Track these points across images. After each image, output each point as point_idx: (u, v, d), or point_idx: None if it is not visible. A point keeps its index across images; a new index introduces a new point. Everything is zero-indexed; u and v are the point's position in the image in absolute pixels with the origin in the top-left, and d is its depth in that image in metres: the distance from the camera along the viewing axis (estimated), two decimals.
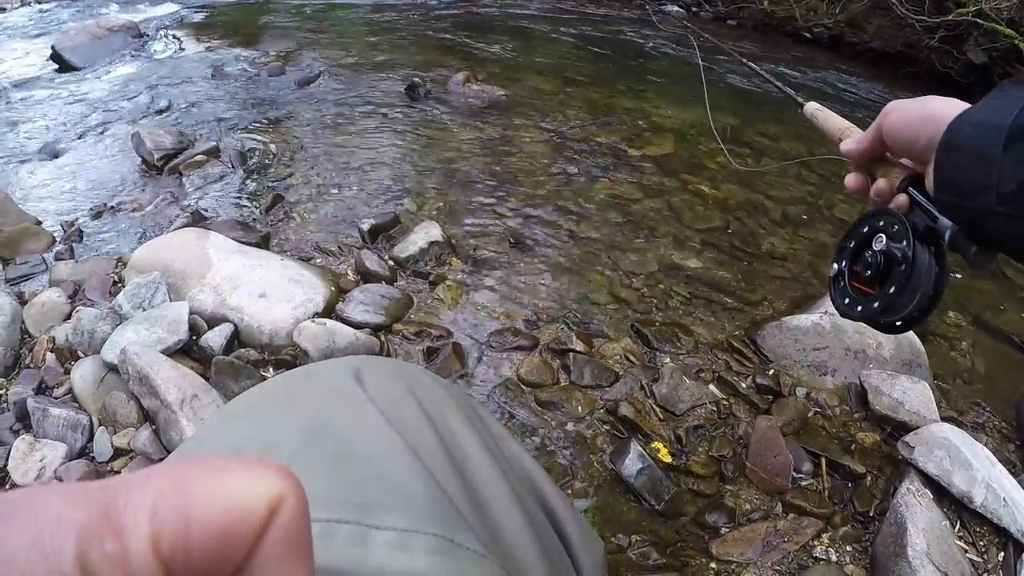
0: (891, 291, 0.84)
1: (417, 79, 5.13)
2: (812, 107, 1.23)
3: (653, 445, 2.25)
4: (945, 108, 0.80)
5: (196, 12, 8.39)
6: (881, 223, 0.88)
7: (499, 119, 4.65)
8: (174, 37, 6.85)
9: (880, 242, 0.88)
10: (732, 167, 4.22)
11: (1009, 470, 2.44)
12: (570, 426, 2.30)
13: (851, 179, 0.97)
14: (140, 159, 3.99)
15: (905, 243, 0.83)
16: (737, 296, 3.08)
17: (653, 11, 9.81)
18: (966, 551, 2.12)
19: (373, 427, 0.66)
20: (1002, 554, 2.14)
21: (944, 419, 2.64)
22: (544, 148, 4.28)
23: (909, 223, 0.84)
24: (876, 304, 0.87)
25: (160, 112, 4.82)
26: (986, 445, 2.59)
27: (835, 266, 0.95)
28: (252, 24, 7.64)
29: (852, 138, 0.98)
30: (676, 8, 10.23)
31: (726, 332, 2.82)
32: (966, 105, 0.80)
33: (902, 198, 0.89)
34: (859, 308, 0.90)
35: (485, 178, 3.83)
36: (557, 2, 9.94)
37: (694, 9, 10.44)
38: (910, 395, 2.58)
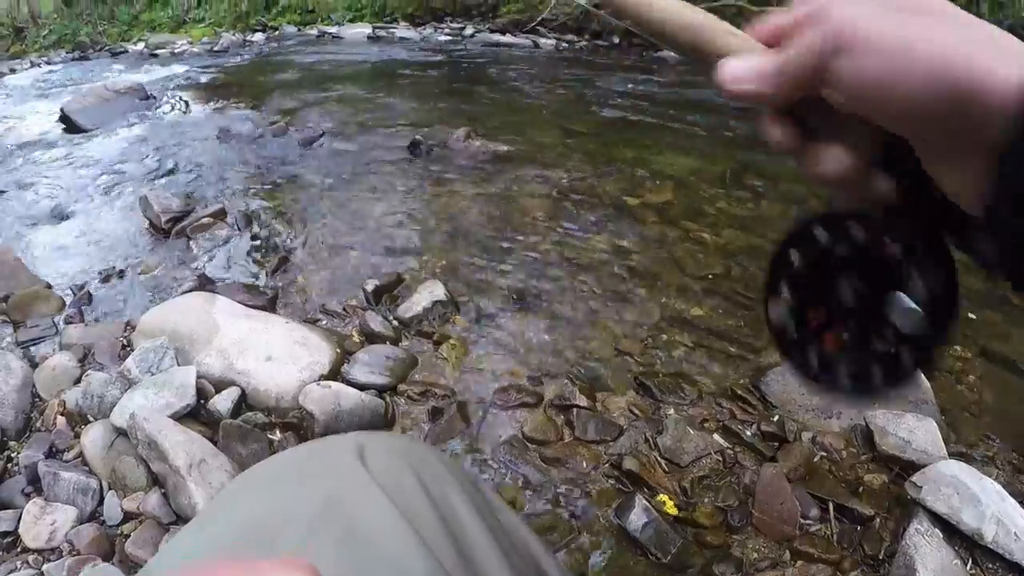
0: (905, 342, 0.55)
1: (419, 137, 5.20)
2: None
3: (659, 498, 2.26)
4: (979, 60, 0.45)
5: (202, 73, 8.53)
6: (861, 233, 0.56)
7: (500, 174, 4.71)
8: (180, 99, 6.99)
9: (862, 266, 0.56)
10: (732, 212, 4.26)
11: (1021, 503, 2.45)
12: (575, 482, 2.31)
13: (776, 132, 0.58)
14: (148, 222, 4.06)
15: (918, 271, 0.54)
16: (741, 343, 3.09)
17: (649, 58, 9.91)
18: None
19: (377, 507, 0.69)
20: None
21: (953, 455, 2.63)
22: (545, 202, 4.32)
23: (917, 231, 0.54)
24: (879, 365, 0.56)
25: (167, 174, 4.90)
26: (997, 479, 2.57)
27: (778, 311, 0.60)
28: (256, 84, 7.77)
29: (751, 56, 0.56)
30: (672, 54, 10.33)
31: (730, 380, 2.83)
32: (1008, 44, 0.46)
33: (880, 184, 0.56)
34: (855, 377, 0.57)
35: (487, 234, 3.87)
36: (556, 55, 10.08)
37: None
38: (917, 433, 2.58)
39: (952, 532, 2.20)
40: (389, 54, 9.66)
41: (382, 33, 11.37)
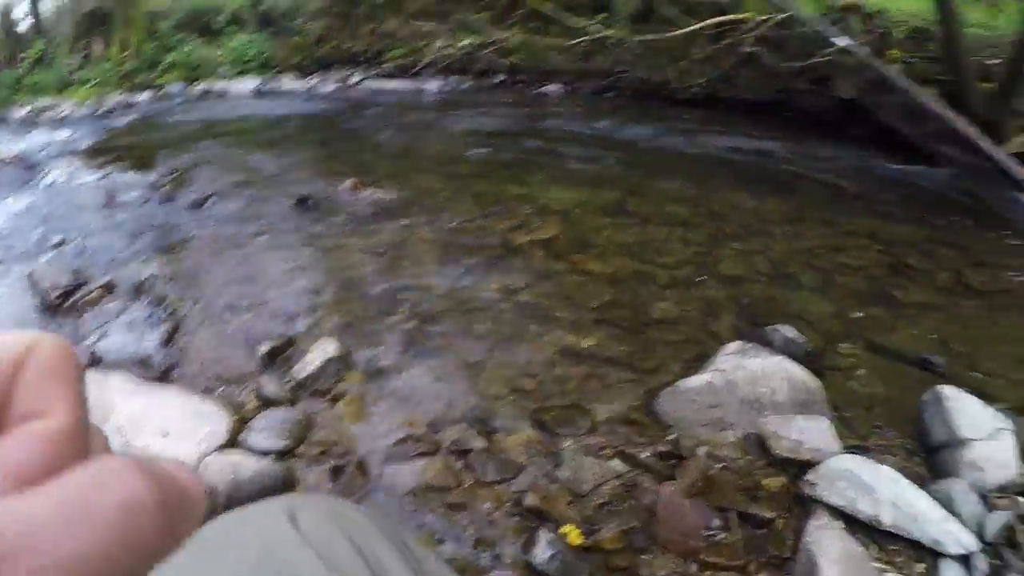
0: None
1: (306, 192, 5.20)
2: None
3: (563, 529, 2.31)
4: None
5: (87, 137, 8.42)
6: None
7: (389, 223, 4.74)
8: (66, 166, 6.86)
9: None
10: (619, 239, 4.37)
11: (917, 483, 2.55)
12: (480, 524, 2.34)
13: None
14: (38, 299, 3.98)
15: None
16: (633, 368, 3.17)
17: (532, 95, 10.07)
18: (885, 570, 2.20)
19: (311, 567, 0.72)
20: (922, 565, 2.23)
21: (849, 449, 2.74)
22: (434, 247, 4.37)
23: None
24: None
25: (55, 247, 4.81)
26: (893, 465, 2.69)
27: None
28: (142, 146, 7.69)
29: None
30: (555, 88, 10.50)
31: (625, 405, 2.90)
32: None
33: None
34: None
35: (379, 285, 3.90)
36: (442, 97, 10.15)
37: (573, 87, 10.74)
38: (808, 433, 2.68)
39: (852, 522, 2.32)
40: (276, 108, 9.65)
41: (269, 86, 11.32)
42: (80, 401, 0.30)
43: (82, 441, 0.30)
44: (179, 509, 0.30)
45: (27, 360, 0.29)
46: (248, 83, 11.53)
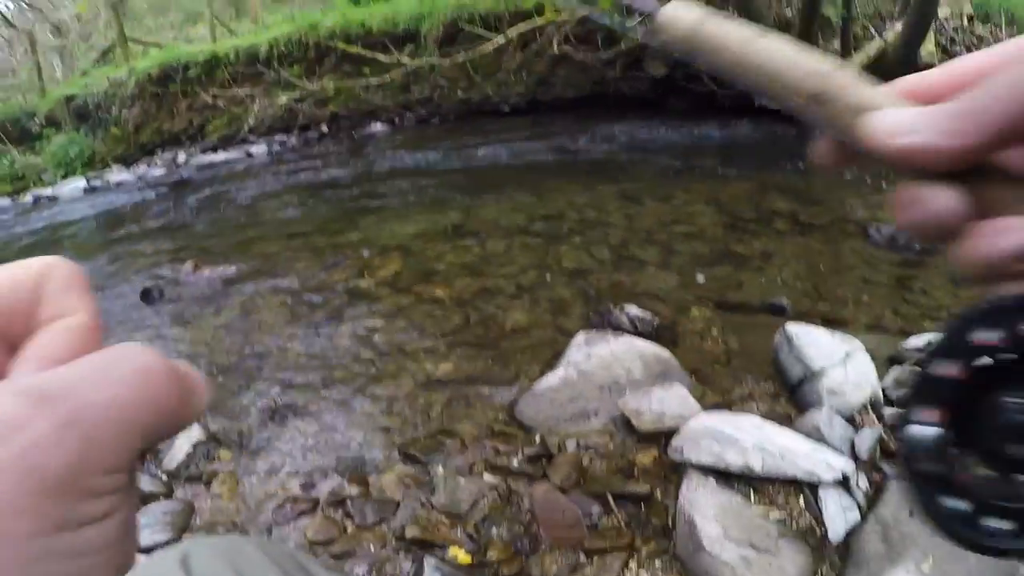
0: None
1: (150, 283, 5.12)
2: (691, 15, 0.52)
3: (450, 552, 2.35)
4: None
5: None
6: None
7: (235, 297, 4.70)
8: None
9: None
10: (460, 261, 4.45)
11: (783, 424, 2.66)
12: (368, 566, 2.36)
13: (944, 199, 0.41)
14: None
15: None
16: (492, 381, 3.24)
17: (359, 137, 10.09)
18: (768, 513, 2.27)
19: None
20: (801, 498, 2.32)
21: (712, 407, 2.85)
22: (283, 310, 4.36)
23: None
24: None
25: None
26: (759, 412, 2.82)
27: (917, 434, 0.44)
28: None
29: (899, 109, 0.43)
30: (380, 126, 10.54)
31: (488, 420, 2.97)
32: None
33: None
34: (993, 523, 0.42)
35: (234, 361, 3.87)
36: (270, 159, 10.08)
37: (397, 121, 10.81)
38: (667, 402, 2.78)
39: (725, 476, 2.40)
40: (108, 202, 9.40)
41: (97, 183, 10.98)
42: (93, 303, 0.38)
43: (99, 333, 0.38)
44: (187, 388, 0.36)
45: (48, 276, 0.37)
46: (76, 183, 11.18)
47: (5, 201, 11.46)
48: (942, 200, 0.41)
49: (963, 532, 0.43)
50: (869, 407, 2.70)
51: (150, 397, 0.33)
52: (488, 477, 2.64)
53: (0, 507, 0.27)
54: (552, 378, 3.01)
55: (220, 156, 11.01)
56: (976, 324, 0.42)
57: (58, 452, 0.29)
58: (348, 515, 2.57)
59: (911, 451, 0.44)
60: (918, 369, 0.44)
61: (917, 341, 3.08)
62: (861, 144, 0.44)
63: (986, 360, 0.42)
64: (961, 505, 0.43)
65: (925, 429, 0.43)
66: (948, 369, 0.43)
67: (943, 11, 8.53)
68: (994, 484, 0.43)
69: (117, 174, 11.34)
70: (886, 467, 2.44)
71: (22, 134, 13.45)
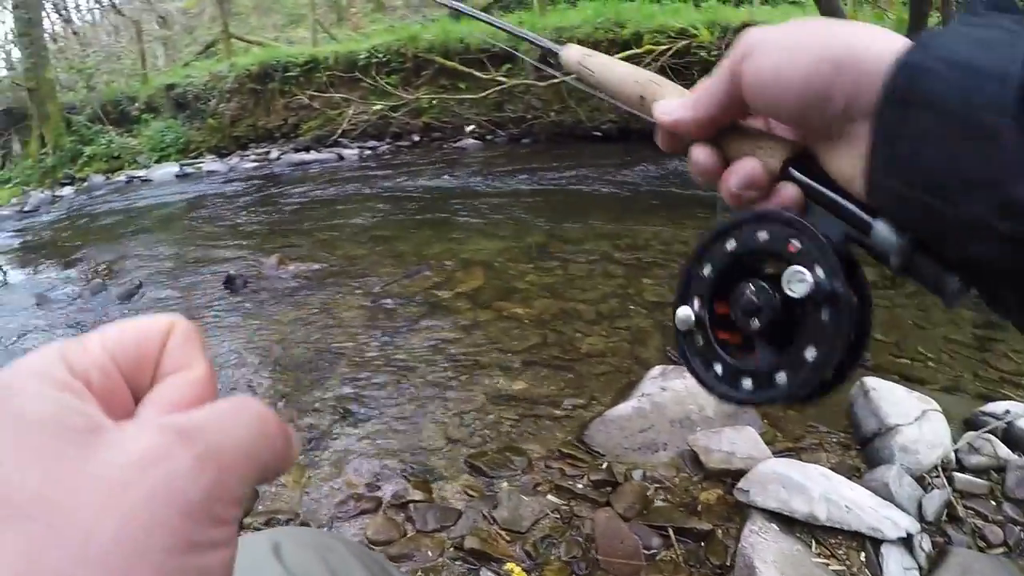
0: (804, 352, 0.53)
1: (233, 272, 5.23)
2: (576, 53, 0.81)
3: (506, 567, 2.35)
4: (857, 39, 0.52)
5: (14, 237, 8.32)
6: (766, 236, 0.57)
7: (316, 294, 4.80)
8: None
9: (768, 270, 0.58)
10: (542, 282, 4.47)
11: (851, 476, 2.63)
12: (424, 572, 2.38)
13: (701, 155, 0.64)
14: None
15: (822, 271, 0.53)
16: (563, 404, 3.25)
17: (449, 150, 10.18)
18: (828, 564, 2.24)
19: None
20: (863, 554, 2.28)
21: (781, 452, 2.83)
22: (362, 312, 4.43)
23: (821, 236, 0.54)
24: (776, 374, 0.56)
25: None
26: (828, 461, 2.79)
27: (684, 311, 0.62)
28: (70, 242, 7.63)
29: (675, 99, 0.67)
30: (471, 141, 10.62)
31: (557, 441, 2.97)
32: (888, 33, 0.52)
33: (789, 190, 0.59)
34: (742, 382, 0.58)
35: (310, 356, 3.94)
36: (360, 163, 10.22)
37: (488, 138, 10.89)
38: (738, 443, 2.76)
39: (788, 522, 2.37)
40: (199, 189, 9.64)
41: (190, 170, 11.30)
42: (208, 359, 0.42)
43: (215, 385, 0.41)
44: (290, 435, 0.40)
45: (171, 333, 0.41)
46: (169, 168, 11.51)
47: (99, 178, 11.82)
48: (700, 156, 0.64)
49: (719, 389, 0.60)
50: (940, 469, 2.65)
51: (268, 440, 0.37)
52: (552, 498, 2.64)
53: (149, 525, 0.30)
54: (625, 407, 3.01)
55: (311, 156, 11.21)
56: (722, 235, 0.60)
57: (198, 480, 0.32)
58: (409, 519, 2.59)
59: (679, 330, 0.63)
60: (685, 267, 0.64)
61: (995, 407, 3.01)
62: (656, 124, 0.66)
63: (728, 260, 0.60)
64: (718, 368, 0.60)
65: (688, 311, 0.62)
66: (703, 269, 0.62)
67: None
68: (740, 352, 0.60)
69: (210, 163, 11.63)
70: (952, 531, 2.40)
71: (121, 117, 13.88)
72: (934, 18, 7.82)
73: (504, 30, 1.03)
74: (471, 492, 2.69)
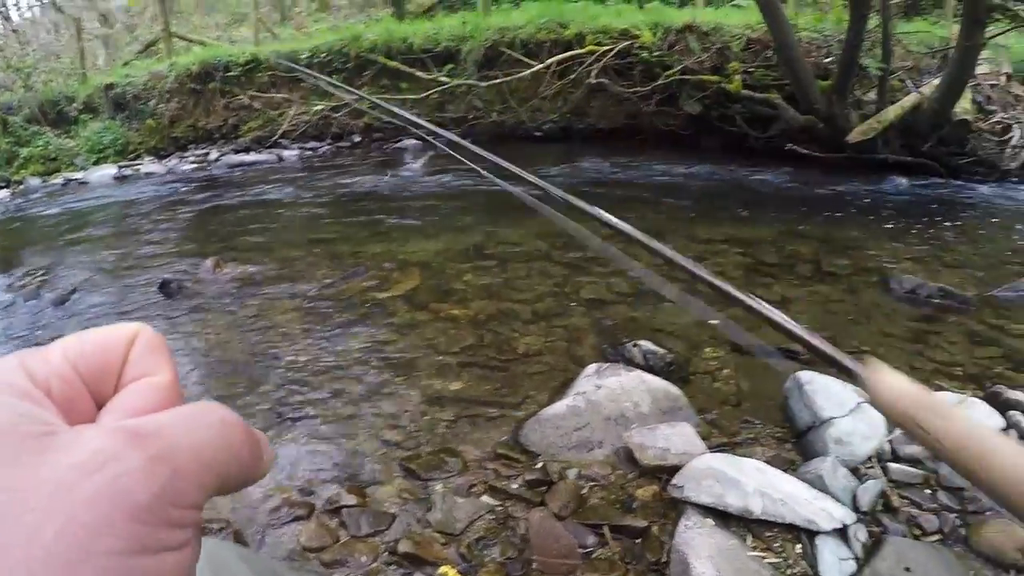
0: None
1: (169, 276, 5.16)
2: (899, 390, 0.67)
3: (440, 570, 2.34)
4: None
5: None
6: None
7: (253, 298, 4.74)
8: None
9: None
10: (479, 283, 4.46)
11: (786, 469, 2.66)
12: None
13: None
14: None
15: None
16: (499, 404, 3.25)
17: (390, 151, 10.16)
18: (764, 558, 2.26)
19: None
20: (798, 546, 2.32)
21: (717, 447, 2.85)
22: (298, 315, 4.39)
23: None
24: None
25: None
26: (763, 455, 2.81)
27: None
28: (4, 244, 7.51)
29: None
30: (412, 142, 10.61)
31: (492, 442, 2.96)
32: None
33: None
34: None
35: (245, 360, 3.89)
36: (301, 164, 10.17)
37: (430, 138, 10.89)
38: (673, 439, 2.77)
39: (723, 517, 2.40)
40: (137, 192, 9.49)
41: (128, 171, 11.10)
42: (174, 365, 0.41)
43: (179, 392, 0.40)
44: (257, 445, 0.39)
45: (135, 341, 0.40)
46: (107, 170, 11.31)
47: (35, 181, 11.60)
48: None
49: None
50: (875, 459, 2.69)
51: (229, 445, 0.37)
52: (486, 499, 2.63)
53: (93, 526, 0.29)
54: (559, 406, 3.01)
55: (251, 157, 11.11)
56: None
57: (148, 482, 0.31)
58: (343, 524, 2.57)
59: None
60: None
61: None
62: None
63: None
64: None
65: None
66: None
67: (981, 68, 8.51)
68: None
69: (148, 165, 11.47)
70: (887, 521, 2.43)
71: (59, 117, 13.63)
72: (873, 20, 7.94)
73: None
74: (405, 495, 2.67)
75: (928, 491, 2.61)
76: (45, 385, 0.36)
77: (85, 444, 0.32)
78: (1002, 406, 3.07)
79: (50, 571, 0.28)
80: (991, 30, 7.86)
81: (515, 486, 2.69)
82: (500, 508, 2.59)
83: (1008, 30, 9.14)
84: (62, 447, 0.32)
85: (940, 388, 3.28)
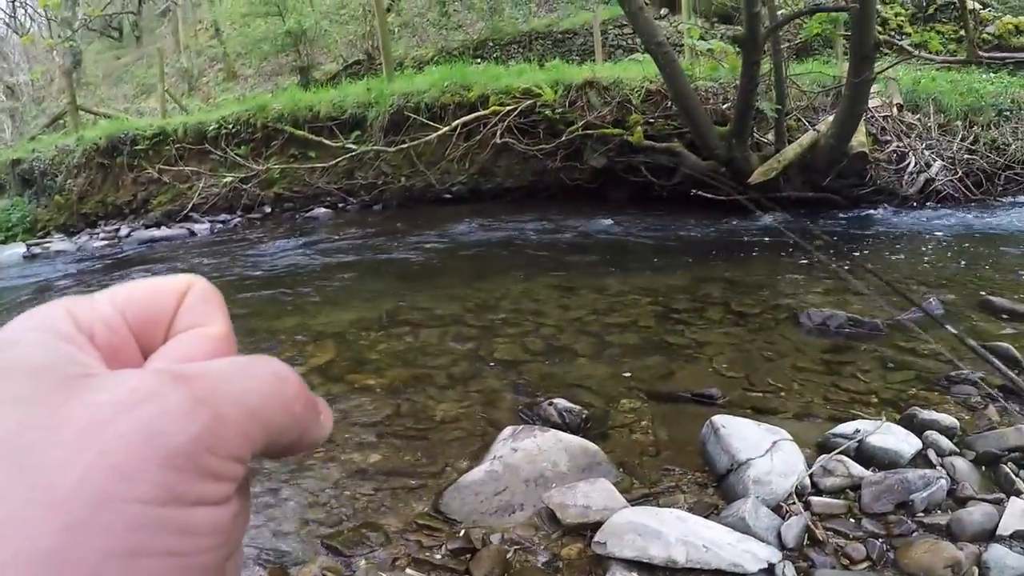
0: None
1: None
2: None
3: None
4: None
5: None
6: None
7: None
8: None
9: None
10: (394, 350, 4.45)
11: (709, 515, 2.69)
12: None
13: None
14: None
15: None
16: (419, 474, 3.23)
17: (301, 220, 10.12)
18: None
19: None
20: None
21: (637, 500, 2.87)
22: None
23: None
24: None
25: None
26: (685, 503, 2.84)
27: None
28: None
29: None
30: (323, 210, 10.59)
31: (413, 512, 2.94)
32: None
33: None
34: None
35: None
36: (212, 237, 10.05)
37: (340, 206, 10.87)
38: (592, 496, 2.78)
39: (649, 569, 2.41)
40: (46, 272, 9.24)
41: (37, 250, 10.81)
42: (228, 319, 0.39)
43: (233, 345, 0.38)
44: (314, 406, 0.38)
45: (188, 292, 0.38)
46: (15, 249, 11.02)
47: None
48: None
49: None
50: (795, 496, 2.74)
51: (281, 398, 0.34)
52: (410, 571, 2.61)
53: (123, 468, 0.28)
54: (478, 472, 3.01)
55: (162, 232, 10.96)
56: None
57: (186, 424, 0.29)
58: None
59: None
60: None
61: (845, 428, 3.15)
62: None
63: None
64: None
65: None
66: None
67: (873, 101, 8.85)
68: None
69: (58, 243, 11.23)
70: (814, 555, 2.48)
71: None
72: (766, 64, 8.21)
73: None
74: (328, 573, 2.63)
75: (852, 520, 2.68)
76: (89, 330, 0.34)
77: (123, 383, 0.30)
78: (918, 428, 3.17)
79: (70, 515, 0.27)
80: (879, 64, 8.20)
81: (439, 556, 2.67)
82: None
83: (896, 63, 9.52)
84: (99, 387, 0.30)
85: (857, 417, 3.36)
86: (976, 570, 2.39)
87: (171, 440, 0.29)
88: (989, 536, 2.54)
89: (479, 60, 13.73)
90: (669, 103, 9.31)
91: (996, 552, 2.42)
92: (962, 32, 11.83)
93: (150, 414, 0.29)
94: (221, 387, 0.32)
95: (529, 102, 9.87)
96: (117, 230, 11.54)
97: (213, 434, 0.30)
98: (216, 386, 0.32)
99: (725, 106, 9.38)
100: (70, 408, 0.29)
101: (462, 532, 2.79)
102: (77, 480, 0.27)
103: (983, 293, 5.02)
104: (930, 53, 9.28)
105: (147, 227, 11.44)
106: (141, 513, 0.28)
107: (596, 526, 2.64)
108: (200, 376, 0.32)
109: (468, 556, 2.66)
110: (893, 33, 10.50)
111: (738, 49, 7.91)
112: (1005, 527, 2.54)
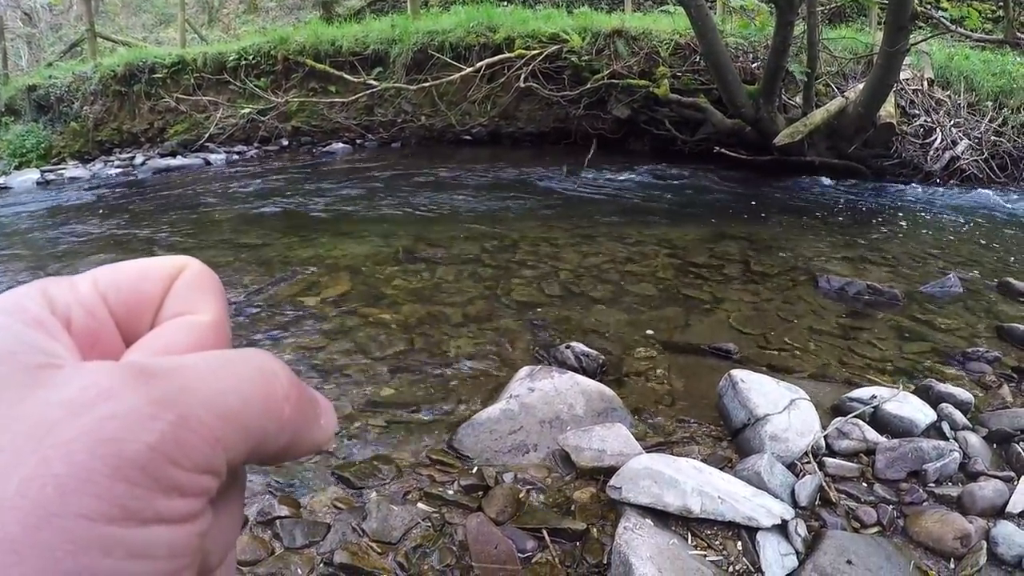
0: None
1: None
2: None
3: None
4: None
5: None
6: None
7: None
8: None
9: None
10: (409, 286, 4.41)
11: (723, 467, 2.67)
12: None
13: None
14: None
15: None
16: (432, 409, 3.20)
17: (318, 154, 10.05)
18: (705, 556, 2.27)
19: None
20: (739, 543, 2.33)
21: (652, 447, 2.85)
22: None
23: None
24: None
25: None
26: (699, 454, 2.82)
27: None
28: None
29: None
30: (341, 146, 10.53)
31: (426, 448, 2.92)
32: None
33: None
34: None
35: None
36: (228, 168, 10.01)
37: (358, 142, 10.80)
38: (609, 440, 2.76)
39: (663, 517, 2.39)
40: (60, 198, 9.19)
41: (51, 176, 10.74)
42: (223, 306, 0.35)
43: (224, 336, 0.34)
44: (310, 406, 0.33)
45: (179, 275, 0.34)
46: (30, 175, 10.96)
47: None
48: None
49: None
50: (811, 455, 2.72)
51: (266, 398, 0.30)
52: (422, 506, 2.59)
53: (67, 479, 0.24)
54: (493, 410, 2.98)
55: (177, 161, 10.90)
56: None
57: (144, 429, 0.25)
58: (277, 536, 2.50)
59: None
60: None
61: (861, 393, 3.12)
62: None
63: None
64: None
65: None
66: None
67: (905, 73, 8.72)
68: None
69: (72, 169, 11.16)
70: (826, 515, 2.46)
71: None
72: (799, 27, 8.08)
73: None
74: (340, 504, 2.61)
75: (864, 484, 2.66)
76: (65, 315, 0.31)
77: (80, 378, 0.26)
78: (934, 400, 3.13)
79: (2, 531, 0.23)
80: (914, 37, 8.06)
81: (451, 492, 2.65)
82: (436, 515, 2.55)
83: (931, 36, 9.37)
84: (58, 382, 0.26)
85: (872, 383, 3.33)
86: (984, 544, 2.37)
87: (124, 448, 0.25)
88: (999, 512, 2.53)
89: (507, 2, 13.51)
90: (698, 58, 9.20)
91: (1005, 528, 2.41)
92: (1000, 12, 11.62)
93: (101, 417, 0.25)
94: (192, 386, 0.28)
95: (555, 47, 9.73)
96: (132, 158, 11.47)
97: (176, 442, 0.26)
98: (186, 384, 0.28)
99: (754, 65, 9.26)
100: (24, 405, 0.26)
101: (475, 469, 2.76)
102: (14, 491, 0.24)
103: (1004, 276, 4.95)
104: (967, 30, 9.08)
105: (162, 156, 11.36)
106: (85, 532, 0.24)
107: (610, 471, 2.62)
108: (169, 372, 0.28)
109: (480, 493, 2.64)
110: (930, 6, 10.27)
111: (772, 8, 7.79)
112: (1015, 504, 2.53)
